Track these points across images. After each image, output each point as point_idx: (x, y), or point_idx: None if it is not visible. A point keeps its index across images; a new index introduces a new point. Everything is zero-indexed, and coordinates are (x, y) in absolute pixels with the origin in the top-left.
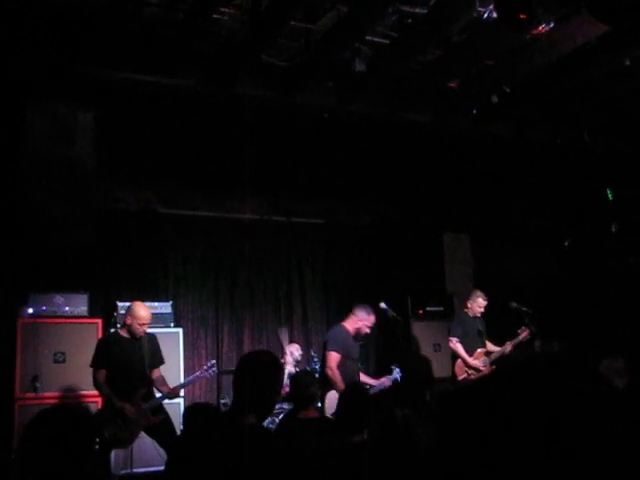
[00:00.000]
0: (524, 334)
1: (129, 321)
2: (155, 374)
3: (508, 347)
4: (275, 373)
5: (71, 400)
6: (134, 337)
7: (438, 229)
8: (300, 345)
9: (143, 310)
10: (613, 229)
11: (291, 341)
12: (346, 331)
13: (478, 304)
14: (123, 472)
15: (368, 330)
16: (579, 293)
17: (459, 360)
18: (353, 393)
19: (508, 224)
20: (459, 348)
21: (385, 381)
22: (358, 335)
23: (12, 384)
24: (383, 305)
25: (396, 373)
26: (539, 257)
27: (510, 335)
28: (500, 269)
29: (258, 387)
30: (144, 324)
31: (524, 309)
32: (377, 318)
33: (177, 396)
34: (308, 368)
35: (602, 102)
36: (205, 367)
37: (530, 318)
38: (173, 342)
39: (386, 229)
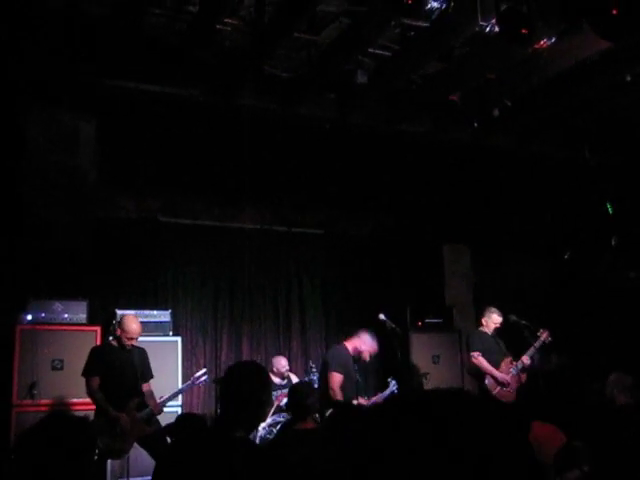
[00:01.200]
0: (544, 335)
1: (119, 333)
2: (144, 388)
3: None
4: (260, 383)
5: (69, 407)
6: (123, 348)
7: (438, 240)
8: (299, 355)
9: (134, 324)
10: (613, 243)
11: (277, 354)
12: (347, 351)
13: (493, 320)
14: None
15: (368, 357)
16: (579, 306)
17: (486, 375)
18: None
19: (508, 236)
20: (483, 362)
21: (380, 398)
22: (357, 357)
23: (10, 390)
24: (382, 316)
25: (392, 386)
26: (539, 269)
27: (516, 347)
28: (500, 281)
29: (243, 397)
30: (132, 338)
31: (523, 322)
32: (376, 330)
33: (161, 412)
34: (307, 379)
35: (603, 116)
36: (195, 376)
37: (529, 331)
38: (171, 350)
39: (386, 240)
